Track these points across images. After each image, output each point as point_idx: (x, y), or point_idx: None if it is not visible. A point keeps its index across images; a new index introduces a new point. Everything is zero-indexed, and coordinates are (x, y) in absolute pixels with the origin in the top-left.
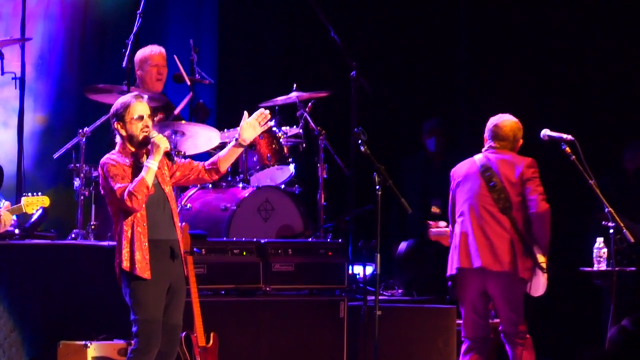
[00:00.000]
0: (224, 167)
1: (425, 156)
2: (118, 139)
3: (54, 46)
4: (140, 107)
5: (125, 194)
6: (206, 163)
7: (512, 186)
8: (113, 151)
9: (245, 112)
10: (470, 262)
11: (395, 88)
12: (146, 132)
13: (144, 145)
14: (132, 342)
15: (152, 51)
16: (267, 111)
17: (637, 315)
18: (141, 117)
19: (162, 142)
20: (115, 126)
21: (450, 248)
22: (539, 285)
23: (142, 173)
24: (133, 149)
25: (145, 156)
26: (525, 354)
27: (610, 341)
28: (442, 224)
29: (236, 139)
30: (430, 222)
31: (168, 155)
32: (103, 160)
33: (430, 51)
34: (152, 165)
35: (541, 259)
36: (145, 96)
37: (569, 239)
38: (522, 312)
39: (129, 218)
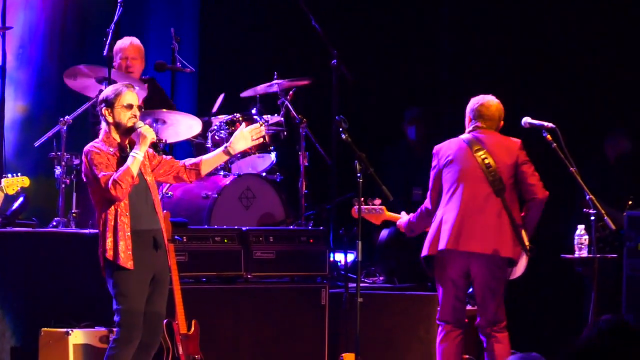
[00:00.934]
0: (205, 170)
1: (407, 145)
2: (103, 125)
3: (35, 35)
4: (130, 97)
5: (110, 182)
6: (187, 163)
7: (506, 168)
8: (97, 139)
9: (243, 123)
10: (458, 243)
11: (377, 77)
12: (133, 121)
13: (128, 134)
14: (114, 331)
15: (123, 43)
16: (263, 127)
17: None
18: (130, 106)
19: (149, 132)
20: (103, 112)
21: (431, 227)
22: (520, 267)
23: (128, 162)
24: (117, 138)
25: (129, 146)
26: (499, 348)
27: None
28: (377, 201)
29: (225, 147)
30: (363, 200)
31: (154, 146)
32: (87, 148)
33: (413, 39)
34: (138, 155)
35: (526, 241)
36: (137, 88)
37: (551, 226)
38: (502, 301)
39: (112, 208)
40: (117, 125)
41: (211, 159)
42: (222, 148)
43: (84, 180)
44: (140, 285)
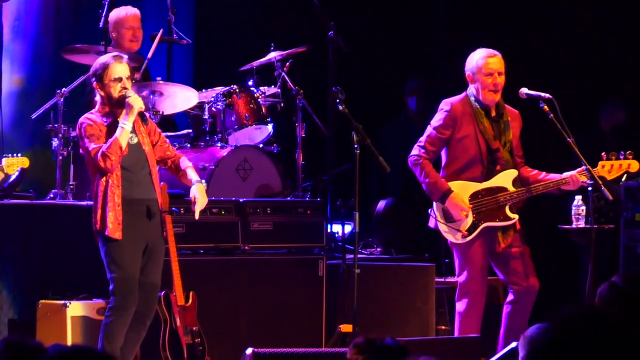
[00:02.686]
0: (181, 178)
1: (407, 116)
2: (98, 97)
3: (30, 7)
4: (119, 68)
5: (99, 154)
6: (174, 162)
7: None
8: (92, 110)
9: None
10: None
11: (373, 48)
12: (123, 93)
13: (121, 106)
14: (110, 300)
15: (127, 13)
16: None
17: (630, 275)
18: (119, 79)
19: (136, 102)
20: (95, 86)
21: None
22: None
23: (116, 134)
24: (113, 110)
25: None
26: None
27: (600, 297)
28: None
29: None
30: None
31: (142, 116)
32: (81, 119)
33: (409, 9)
34: (126, 126)
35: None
36: (125, 56)
37: (548, 197)
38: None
39: (104, 178)
40: (109, 99)
41: (187, 177)
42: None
43: (81, 151)
44: (133, 253)
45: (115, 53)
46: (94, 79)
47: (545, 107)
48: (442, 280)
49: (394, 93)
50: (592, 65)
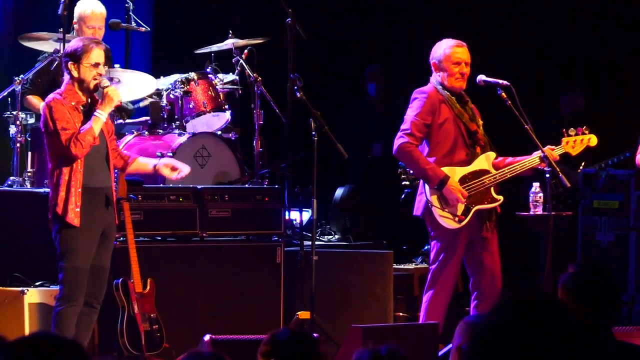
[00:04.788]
0: (132, 169)
1: (368, 101)
2: (66, 78)
3: None
4: (98, 55)
5: (71, 140)
6: (123, 150)
7: None
8: (58, 90)
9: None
10: None
11: (332, 35)
12: (97, 80)
13: (91, 91)
14: (58, 289)
15: (93, 11)
16: (185, 172)
17: (585, 262)
18: (97, 65)
19: (115, 95)
20: (68, 66)
21: None
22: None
23: (91, 122)
24: (80, 93)
25: (90, 103)
26: None
27: (564, 287)
28: None
29: (155, 165)
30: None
31: (119, 109)
32: (48, 99)
33: None
34: (101, 116)
35: (428, 192)
36: (104, 44)
37: (505, 184)
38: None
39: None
40: (81, 82)
41: (142, 163)
42: (154, 161)
43: (42, 130)
44: (88, 243)
45: (96, 39)
46: (69, 58)
47: (503, 94)
48: (400, 267)
49: (354, 79)
50: (552, 51)
